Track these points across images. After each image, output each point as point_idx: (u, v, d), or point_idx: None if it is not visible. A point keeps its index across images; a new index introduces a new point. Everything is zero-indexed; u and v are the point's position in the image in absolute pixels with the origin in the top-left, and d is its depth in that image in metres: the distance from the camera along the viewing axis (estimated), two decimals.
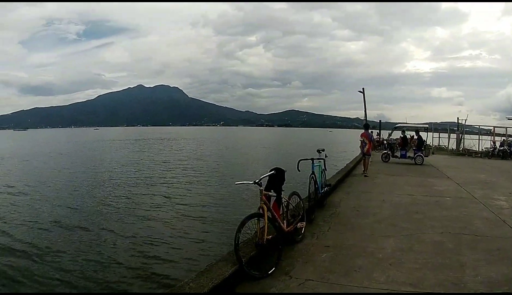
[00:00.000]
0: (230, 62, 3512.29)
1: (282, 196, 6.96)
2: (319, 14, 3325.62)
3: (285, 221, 6.98)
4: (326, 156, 10.61)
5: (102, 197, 20.76)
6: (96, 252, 11.61)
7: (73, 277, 9.71)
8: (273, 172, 6.87)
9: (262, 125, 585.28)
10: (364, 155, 18.20)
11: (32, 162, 42.44)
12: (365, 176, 17.05)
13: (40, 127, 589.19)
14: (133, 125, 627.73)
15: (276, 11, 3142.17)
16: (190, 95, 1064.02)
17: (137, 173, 31.02)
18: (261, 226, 6.12)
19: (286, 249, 6.68)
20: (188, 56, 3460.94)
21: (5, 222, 15.78)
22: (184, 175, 28.91)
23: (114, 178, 27.82)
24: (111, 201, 19.32)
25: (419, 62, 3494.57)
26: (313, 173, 9.75)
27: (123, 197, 20.25)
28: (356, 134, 25.55)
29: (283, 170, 7.03)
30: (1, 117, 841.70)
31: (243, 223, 5.90)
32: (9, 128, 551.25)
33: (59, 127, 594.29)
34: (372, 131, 25.37)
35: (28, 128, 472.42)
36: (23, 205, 19.12)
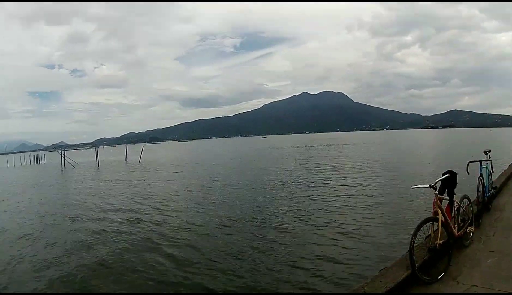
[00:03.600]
0: (390, 64, 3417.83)
1: (454, 199, 6.97)
2: (466, 6, 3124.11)
3: (455, 225, 6.99)
4: (490, 158, 10.11)
5: (280, 199, 21.96)
6: (269, 252, 12.23)
7: (250, 276, 10.27)
8: (447, 175, 6.89)
9: (427, 127, 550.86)
10: None
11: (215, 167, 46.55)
12: None
13: (205, 138, 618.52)
14: (301, 133, 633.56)
15: (426, 8, 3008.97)
16: (355, 100, 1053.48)
17: (310, 176, 31.99)
18: (434, 230, 6.27)
19: (455, 253, 6.63)
20: (349, 61, 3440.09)
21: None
22: (356, 178, 28.98)
23: (290, 182, 29.15)
24: (286, 204, 20.09)
25: None
26: (481, 175, 9.51)
27: (297, 200, 20.91)
28: None
29: (455, 173, 6.96)
30: (166, 129, 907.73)
31: (419, 227, 5.98)
32: (173, 139, 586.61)
33: (225, 137, 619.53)
34: None
35: (193, 139, 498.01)
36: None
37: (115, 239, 14.97)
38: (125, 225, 17.52)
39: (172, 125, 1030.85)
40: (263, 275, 10.25)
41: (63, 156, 72.20)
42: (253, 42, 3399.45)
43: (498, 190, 11.65)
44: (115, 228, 16.92)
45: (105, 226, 17.55)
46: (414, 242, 5.77)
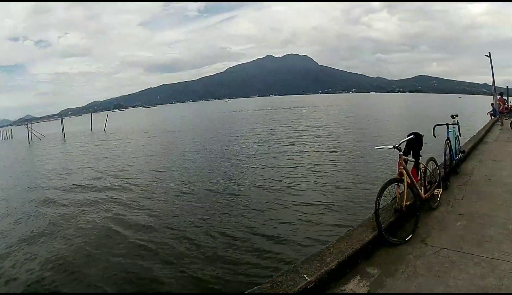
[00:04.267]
0: (356, 28, 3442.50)
1: (420, 161, 6.86)
2: None
3: (422, 188, 6.89)
4: (457, 123, 10.09)
5: (242, 161, 22.49)
6: (228, 218, 12.28)
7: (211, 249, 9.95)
8: (412, 136, 6.76)
9: (393, 91, 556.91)
10: (500, 114, 23.85)
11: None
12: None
13: (169, 103, 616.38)
14: (266, 96, 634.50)
15: None
16: (320, 63, 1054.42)
17: (271, 141, 32.08)
18: (400, 192, 6.11)
19: (422, 216, 6.57)
20: (315, 24, 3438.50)
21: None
22: (321, 142, 29.32)
23: (249, 146, 29.40)
24: (246, 170, 20.16)
25: None
26: (448, 138, 9.46)
27: (261, 166, 20.86)
28: (484, 101, 24.73)
29: (421, 134, 6.85)
30: (130, 96, 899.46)
31: (383, 188, 5.88)
32: (138, 106, 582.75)
33: (190, 101, 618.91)
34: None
35: (157, 104, 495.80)
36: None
37: (75, 213, 14.67)
38: (86, 197, 17.12)
39: (137, 91, 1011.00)
40: (220, 243, 10.24)
41: (29, 129, 70.85)
42: (218, 6, 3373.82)
43: (467, 155, 11.77)
44: (75, 201, 16.55)
45: (62, 198, 17.36)
46: (379, 203, 5.72)
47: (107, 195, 16.96)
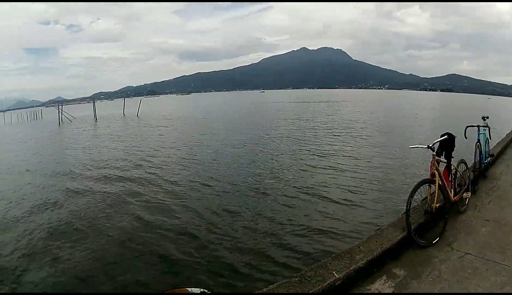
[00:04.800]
0: (389, 23, 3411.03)
1: (451, 163, 6.82)
2: None
3: (452, 190, 6.84)
4: (488, 125, 9.74)
5: (269, 156, 22.06)
6: (265, 213, 12.00)
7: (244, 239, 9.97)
8: (445, 137, 6.69)
9: (425, 89, 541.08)
10: None
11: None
12: None
13: (203, 91, 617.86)
14: (299, 88, 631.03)
15: None
16: (354, 57, 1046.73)
17: (304, 134, 31.69)
18: (431, 193, 6.11)
19: (450, 218, 6.53)
20: (348, 17, 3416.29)
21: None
22: (354, 137, 28.90)
23: (282, 139, 28.99)
24: (279, 163, 19.88)
25: None
26: (478, 141, 9.28)
27: (288, 160, 20.56)
28: None
29: (454, 135, 6.77)
30: (164, 83, 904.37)
31: (415, 189, 5.87)
32: (171, 93, 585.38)
33: (224, 90, 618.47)
34: None
35: (191, 92, 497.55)
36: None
37: (97, 195, 15.02)
38: (112, 180, 17.60)
39: (171, 78, 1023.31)
40: (248, 235, 10.28)
41: (60, 110, 71.75)
42: None
43: (495, 158, 11.55)
44: (100, 184, 16.96)
45: (89, 180, 17.77)
46: (410, 203, 5.73)
47: (135, 181, 17.30)
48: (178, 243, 9.85)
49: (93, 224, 11.66)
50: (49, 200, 14.66)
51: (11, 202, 14.65)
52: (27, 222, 12.17)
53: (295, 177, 16.65)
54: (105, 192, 15.44)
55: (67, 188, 16.34)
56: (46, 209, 13.55)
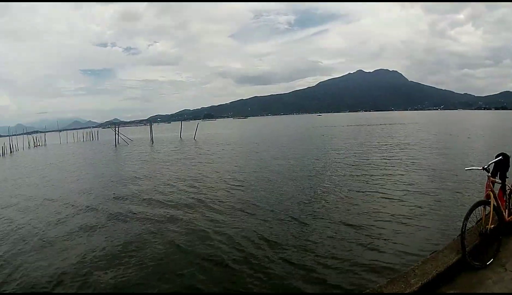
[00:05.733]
0: (443, 42, 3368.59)
1: (506, 183, 6.70)
2: None
3: (506, 210, 6.68)
4: None
5: (326, 179, 21.60)
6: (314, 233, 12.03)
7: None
8: (500, 157, 6.62)
9: (480, 108, 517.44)
10: None
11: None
12: None
13: (260, 115, 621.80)
14: (355, 111, 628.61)
15: None
16: (410, 79, 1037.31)
17: (363, 156, 31.48)
18: (486, 214, 6.06)
19: (504, 239, 6.40)
20: (402, 38, 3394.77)
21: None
22: (412, 158, 28.49)
23: (338, 161, 28.96)
24: (333, 185, 19.65)
25: None
26: None
27: (337, 185, 19.80)
28: None
29: (508, 155, 6.67)
30: (221, 106, 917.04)
31: (471, 210, 5.88)
32: (228, 116, 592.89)
33: (281, 114, 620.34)
34: None
35: (247, 116, 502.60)
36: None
37: (143, 218, 15.39)
38: (175, 205, 17.61)
39: (227, 102, 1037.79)
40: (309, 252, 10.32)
41: (116, 132, 73.96)
42: (307, 19, 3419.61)
43: None
44: (163, 210, 16.89)
45: (151, 203, 18.06)
46: (465, 225, 5.71)
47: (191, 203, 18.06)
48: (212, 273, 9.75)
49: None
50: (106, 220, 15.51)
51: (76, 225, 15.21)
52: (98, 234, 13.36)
53: (346, 201, 16.28)
54: (153, 214, 15.93)
55: (114, 211, 16.87)
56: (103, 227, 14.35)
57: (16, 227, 14.86)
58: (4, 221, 16.10)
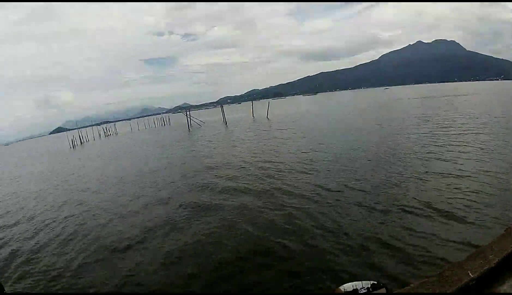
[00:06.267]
0: (495, 10, 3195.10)
1: None
2: None
3: None
4: None
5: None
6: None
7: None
8: None
9: None
10: None
11: None
12: None
13: (329, 91, 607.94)
14: (421, 83, 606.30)
15: None
16: (467, 48, 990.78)
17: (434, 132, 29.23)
18: None
19: None
20: (455, 5, 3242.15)
21: None
22: (488, 135, 25.66)
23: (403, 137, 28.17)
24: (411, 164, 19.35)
25: None
26: None
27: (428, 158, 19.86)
28: None
29: None
30: (289, 84, 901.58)
31: None
32: (297, 94, 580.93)
33: (349, 89, 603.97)
34: None
35: (317, 92, 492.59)
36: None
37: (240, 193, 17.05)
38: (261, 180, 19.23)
39: (295, 79, 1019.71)
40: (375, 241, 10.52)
41: (188, 116, 75.08)
42: None
43: None
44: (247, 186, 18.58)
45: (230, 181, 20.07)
46: None
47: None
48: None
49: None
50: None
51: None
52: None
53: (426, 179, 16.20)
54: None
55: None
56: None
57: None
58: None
